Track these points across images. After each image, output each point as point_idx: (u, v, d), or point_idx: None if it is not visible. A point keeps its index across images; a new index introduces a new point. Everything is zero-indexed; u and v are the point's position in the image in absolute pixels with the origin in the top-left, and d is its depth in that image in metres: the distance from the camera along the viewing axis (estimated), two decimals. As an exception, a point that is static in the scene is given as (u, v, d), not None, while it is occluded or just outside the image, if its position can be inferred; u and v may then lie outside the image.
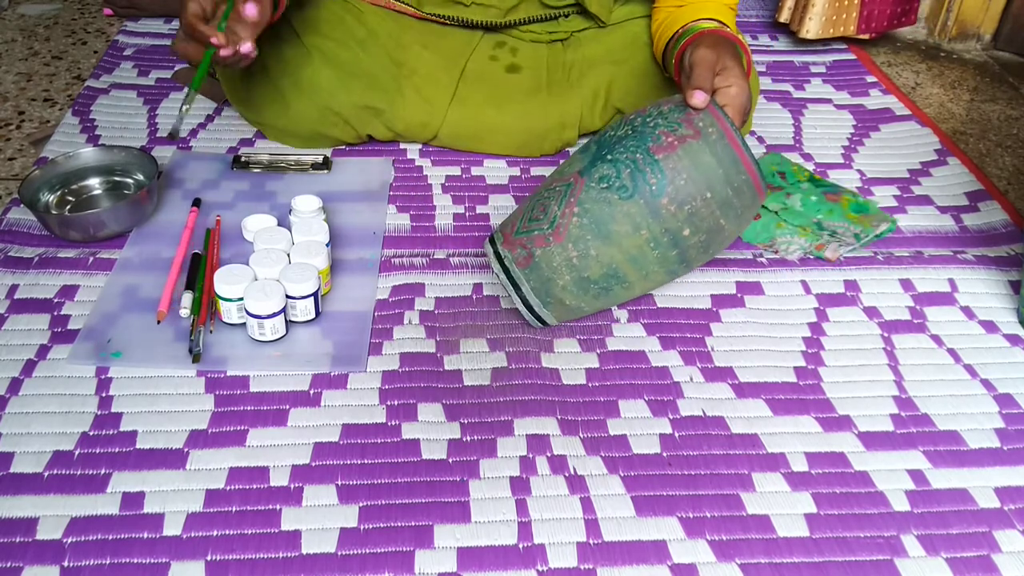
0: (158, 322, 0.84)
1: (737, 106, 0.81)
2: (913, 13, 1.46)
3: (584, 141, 1.16)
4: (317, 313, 0.85)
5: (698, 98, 0.79)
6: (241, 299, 0.82)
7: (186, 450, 0.73)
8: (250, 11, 0.83)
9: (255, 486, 0.70)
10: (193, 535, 0.66)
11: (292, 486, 0.71)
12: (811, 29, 1.40)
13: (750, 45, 1.43)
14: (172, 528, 0.67)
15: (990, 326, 0.90)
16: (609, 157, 0.79)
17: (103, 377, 0.79)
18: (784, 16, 1.45)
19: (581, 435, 0.76)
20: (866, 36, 1.44)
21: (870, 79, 1.38)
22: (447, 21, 1.09)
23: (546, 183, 0.83)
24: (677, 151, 0.77)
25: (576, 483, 0.72)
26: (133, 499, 0.69)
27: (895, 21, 1.45)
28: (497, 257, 0.81)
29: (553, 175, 0.83)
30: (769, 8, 1.60)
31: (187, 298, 0.85)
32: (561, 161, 1.12)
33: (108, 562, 0.64)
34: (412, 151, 1.13)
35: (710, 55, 0.82)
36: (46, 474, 0.70)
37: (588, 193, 0.78)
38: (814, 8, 1.38)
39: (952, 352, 0.87)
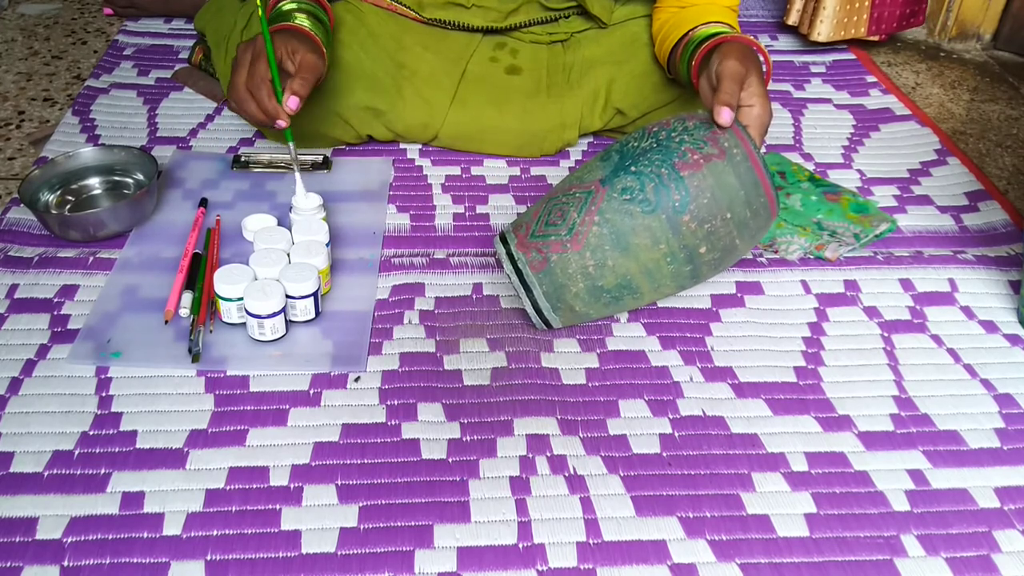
0: (166, 321, 0.84)
1: (759, 127, 0.82)
2: (921, 14, 1.46)
3: (585, 142, 1.17)
4: (317, 313, 0.85)
5: (725, 116, 0.79)
6: (241, 299, 0.82)
7: (186, 450, 0.73)
8: (292, 104, 0.87)
9: (255, 486, 0.70)
10: (193, 535, 0.66)
11: (292, 486, 0.71)
12: (822, 32, 1.39)
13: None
14: (172, 528, 0.67)
15: (990, 326, 0.90)
16: (633, 169, 0.79)
17: (103, 377, 0.79)
18: (792, 19, 1.44)
19: (581, 435, 0.76)
20: (876, 38, 1.44)
21: (870, 79, 1.38)
22: (448, 25, 1.09)
23: (562, 187, 0.83)
24: (702, 170, 0.78)
25: (576, 483, 0.72)
26: (133, 499, 0.69)
27: (904, 22, 1.44)
28: (510, 258, 0.81)
29: (571, 180, 0.83)
30: (770, 8, 1.60)
31: (187, 298, 0.85)
32: (562, 161, 1.13)
33: (108, 562, 0.64)
34: (412, 151, 1.13)
35: (739, 69, 0.82)
36: (46, 474, 0.70)
37: (610, 203, 0.78)
38: (825, 11, 1.37)
39: (952, 352, 0.87)
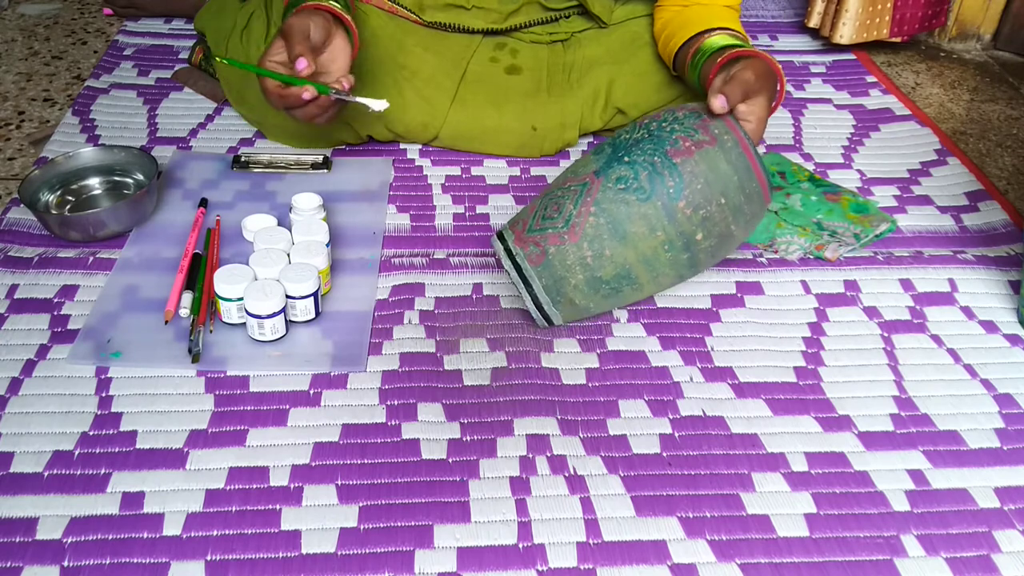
0: (165, 322, 0.84)
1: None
2: (944, 15, 1.45)
3: (585, 141, 1.17)
4: (317, 313, 0.85)
5: (719, 102, 0.80)
6: (241, 299, 0.82)
7: (186, 450, 0.73)
8: (300, 65, 0.86)
9: (255, 486, 0.70)
10: (193, 535, 0.66)
11: (292, 486, 0.71)
12: (844, 34, 1.39)
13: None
14: (172, 528, 0.67)
15: (990, 326, 0.90)
16: (626, 159, 0.80)
17: (103, 377, 0.79)
18: (814, 21, 1.43)
19: (581, 435, 0.76)
20: (898, 39, 1.43)
21: (870, 79, 1.38)
22: (448, 28, 1.09)
23: (557, 183, 0.84)
24: (695, 156, 0.78)
25: (576, 483, 0.72)
26: (133, 499, 0.69)
27: (926, 23, 1.44)
28: (508, 254, 0.82)
29: (565, 175, 0.84)
30: (787, 8, 1.60)
31: (187, 298, 0.85)
32: (563, 161, 1.13)
33: (108, 562, 0.64)
34: (412, 151, 1.13)
35: (752, 81, 0.83)
36: (46, 474, 0.70)
37: (605, 193, 0.79)
38: (847, 13, 1.37)
39: (952, 352, 0.87)
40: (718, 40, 0.94)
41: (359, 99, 0.89)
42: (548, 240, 0.80)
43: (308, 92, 0.86)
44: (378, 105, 0.89)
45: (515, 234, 0.82)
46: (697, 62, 0.95)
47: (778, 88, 0.88)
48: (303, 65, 0.85)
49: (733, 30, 0.97)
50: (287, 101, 0.87)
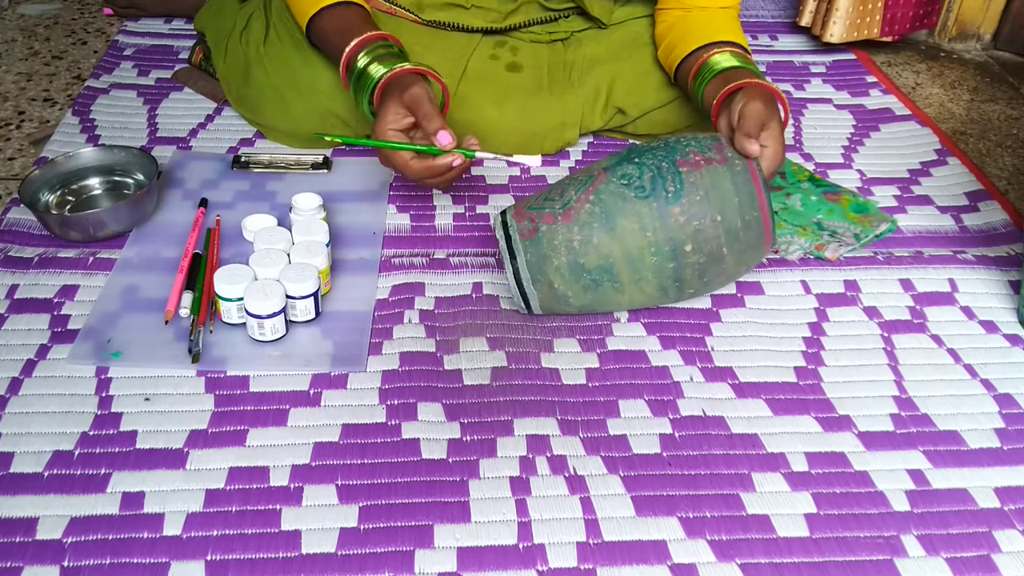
0: (166, 322, 0.84)
1: (768, 168, 0.85)
2: (935, 15, 1.46)
3: (584, 141, 1.17)
4: (317, 313, 0.85)
5: (754, 148, 0.82)
6: (241, 299, 0.82)
7: (186, 450, 0.73)
8: (444, 140, 0.84)
9: (255, 486, 0.70)
10: (193, 535, 0.66)
11: (292, 486, 0.71)
12: (835, 33, 1.39)
13: (750, 44, 1.43)
14: (172, 528, 0.67)
15: (990, 326, 0.90)
16: (636, 161, 0.83)
17: (103, 377, 0.79)
18: (805, 20, 1.44)
19: (581, 435, 0.76)
20: (889, 39, 1.44)
21: (870, 79, 1.38)
22: (447, 27, 1.09)
23: (569, 176, 0.87)
24: (701, 169, 0.81)
25: (576, 483, 0.72)
26: (133, 499, 0.69)
27: (917, 23, 1.44)
28: (503, 226, 0.84)
29: (580, 170, 0.87)
30: (780, 8, 1.60)
31: (187, 298, 0.85)
32: (562, 161, 1.13)
33: (108, 562, 0.64)
34: (412, 151, 1.13)
35: (763, 112, 0.85)
36: (46, 474, 0.70)
37: (607, 186, 0.82)
38: (838, 12, 1.37)
39: (952, 352, 0.87)
40: (721, 61, 0.95)
41: (515, 157, 0.88)
42: (543, 218, 0.82)
43: (458, 159, 0.84)
44: (533, 162, 0.88)
45: (516, 210, 0.85)
46: (700, 83, 0.96)
47: (781, 107, 0.89)
48: (448, 140, 0.84)
49: (735, 44, 0.97)
50: (433, 171, 0.85)
